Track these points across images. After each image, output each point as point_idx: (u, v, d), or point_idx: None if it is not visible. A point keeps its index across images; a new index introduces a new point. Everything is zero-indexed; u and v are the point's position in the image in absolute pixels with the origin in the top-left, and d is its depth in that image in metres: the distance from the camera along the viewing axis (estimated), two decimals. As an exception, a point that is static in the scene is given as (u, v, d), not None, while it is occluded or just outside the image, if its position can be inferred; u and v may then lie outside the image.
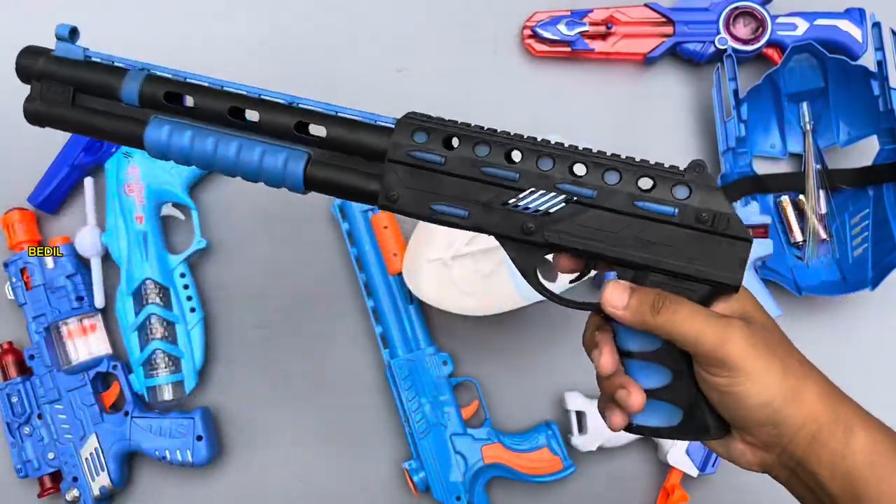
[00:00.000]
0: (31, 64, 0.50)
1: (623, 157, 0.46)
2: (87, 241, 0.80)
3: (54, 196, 0.82)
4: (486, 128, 0.47)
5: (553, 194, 0.46)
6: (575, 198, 0.45)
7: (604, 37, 0.84)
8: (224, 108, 0.48)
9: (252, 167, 0.48)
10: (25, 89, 0.51)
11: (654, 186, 0.45)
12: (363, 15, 0.87)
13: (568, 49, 0.84)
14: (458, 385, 0.81)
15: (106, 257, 0.81)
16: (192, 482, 0.82)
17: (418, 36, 0.87)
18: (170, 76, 0.49)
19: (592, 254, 0.46)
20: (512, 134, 0.47)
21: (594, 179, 0.45)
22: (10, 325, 0.83)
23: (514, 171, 0.46)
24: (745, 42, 0.83)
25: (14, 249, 0.81)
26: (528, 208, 0.46)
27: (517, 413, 0.82)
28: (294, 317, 0.83)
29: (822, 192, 0.83)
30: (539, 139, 0.47)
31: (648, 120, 0.86)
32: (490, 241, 0.75)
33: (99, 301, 0.80)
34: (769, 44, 0.83)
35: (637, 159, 0.46)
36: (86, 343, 0.79)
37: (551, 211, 0.46)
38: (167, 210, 0.83)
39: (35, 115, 0.51)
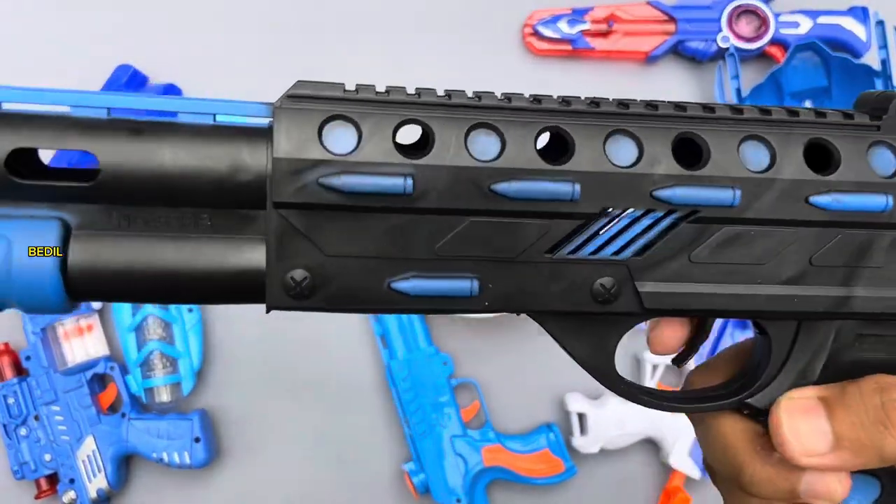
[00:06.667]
0: None
1: (761, 109, 0.27)
2: (84, 241, 0.79)
3: (51, 196, 0.81)
4: (472, 93, 0.27)
5: (651, 213, 0.26)
6: (697, 213, 0.26)
7: (605, 35, 0.84)
8: None
9: None
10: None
11: (837, 161, 0.26)
12: (361, 13, 0.87)
13: (569, 47, 0.83)
14: (459, 386, 0.80)
15: (103, 257, 0.80)
16: (190, 484, 0.81)
17: (417, 34, 0.86)
18: None
19: (736, 313, 0.27)
20: (529, 99, 0.27)
21: (726, 166, 0.26)
22: (6, 325, 0.82)
23: (567, 179, 0.26)
24: (748, 40, 0.82)
25: (10, 249, 0.80)
26: (599, 251, 0.26)
27: (518, 414, 0.81)
28: (292, 318, 0.83)
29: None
30: (591, 99, 0.27)
31: (650, 119, 0.85)
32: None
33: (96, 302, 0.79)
34: (772, 42, 0.83)
35: (792, 111, 0.27)
36: (82, 344, 0.79)
37: (649, 249, 0.26)
38: (165, 210, 0.82)
39: None
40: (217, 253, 0.26)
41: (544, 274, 0.26)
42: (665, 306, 0.26)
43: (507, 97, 0.27)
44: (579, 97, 0.27)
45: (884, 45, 0.76)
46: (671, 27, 0.83)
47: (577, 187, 0.25)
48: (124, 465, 0.80)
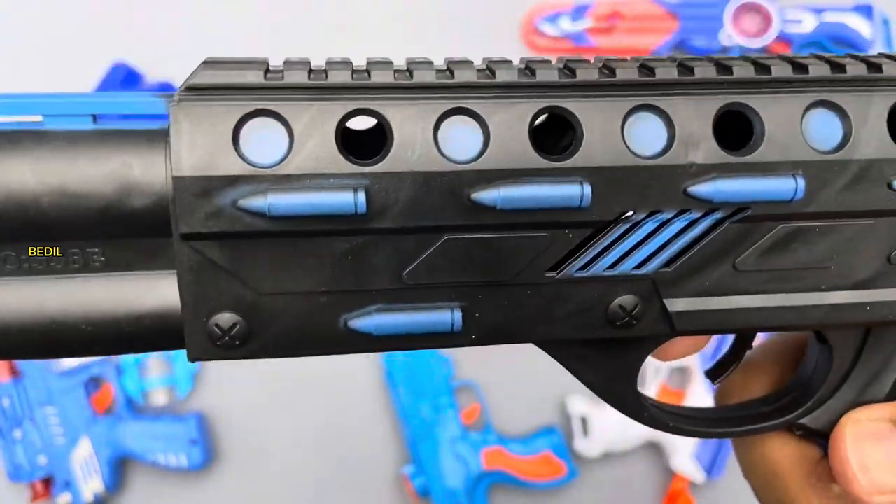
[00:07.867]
0: None
1: (831, 62, 0.20)
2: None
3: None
4: (444, 62, 0.21)
5: (685, 214, 0.20)
6: (746, 211, 0.20)
7: (607, 31, 0.83)
8: None
9: None
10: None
11: None
12: (360, 9, 0.86)
13: (571, 45, 0.82)
14: (459, 388, 0.79)
15: (99, 257, 0.80)
16: (186, 487, 0.80)
17: (417, 30, 0.85)
18: None
19: (792, 327, 0.22)
20: (521, 68, 0.21)
21: (786, 145, 0.19)
22: None
23: (573, 179, 0.20)
24: (752, 37, 0.82)
25: (5, 249, 0.79)
26: (617, 264, 0.21)
27: (519, 417, 0.81)
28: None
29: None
30: (605, 63, 0.21)
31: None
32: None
33: (92, 302, 0.79)
34: (776, 39, 0.82)
35: (873, 64, 0.20)
36: (78, 345, 0.78)
37: (681, 257, 0.21)
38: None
39: None
40: (115, 294, 0.20)
41: (546, 297, 0.21)
42: (702, 326, 0.21)
43: (490, 69, 0.20)
44: (588, 61, 0.21)
45: (888, 43, 0.75)
46: (674, 24, 0.83)
47: (588, 189, 0.19)
48: (120, 467, 0.79)
